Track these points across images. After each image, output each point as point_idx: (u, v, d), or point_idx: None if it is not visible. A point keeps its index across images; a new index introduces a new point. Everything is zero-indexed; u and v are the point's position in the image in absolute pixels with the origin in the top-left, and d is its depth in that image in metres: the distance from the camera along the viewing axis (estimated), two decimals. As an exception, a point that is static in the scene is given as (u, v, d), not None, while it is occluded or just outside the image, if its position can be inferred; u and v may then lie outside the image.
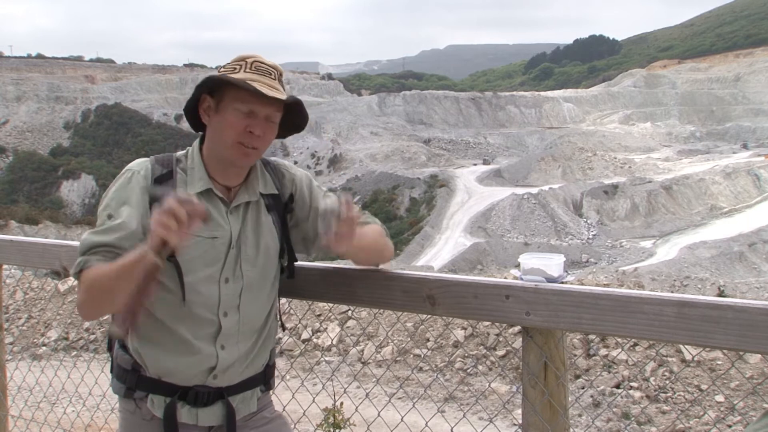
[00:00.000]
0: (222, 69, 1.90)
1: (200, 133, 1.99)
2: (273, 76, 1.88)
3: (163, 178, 1.89)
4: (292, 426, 2.24)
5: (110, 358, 2.06)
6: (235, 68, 1.88)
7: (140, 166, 1.92)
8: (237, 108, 1.84)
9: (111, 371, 2.04)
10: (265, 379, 2.07)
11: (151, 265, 1.60)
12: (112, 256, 1.78)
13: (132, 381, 1.93)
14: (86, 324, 8.60)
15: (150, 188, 1.87)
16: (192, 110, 1.95)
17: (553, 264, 1.87)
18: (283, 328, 2.21)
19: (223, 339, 1.91)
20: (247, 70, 1.86)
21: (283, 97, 1.85)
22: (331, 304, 6.20)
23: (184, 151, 1.98)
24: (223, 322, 1.90)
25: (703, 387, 5.76)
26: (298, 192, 2.06)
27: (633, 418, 5.61)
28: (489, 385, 6.47)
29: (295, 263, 2.11)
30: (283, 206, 2.03)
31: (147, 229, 1.74)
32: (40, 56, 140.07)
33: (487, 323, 6.89)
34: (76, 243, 2.81)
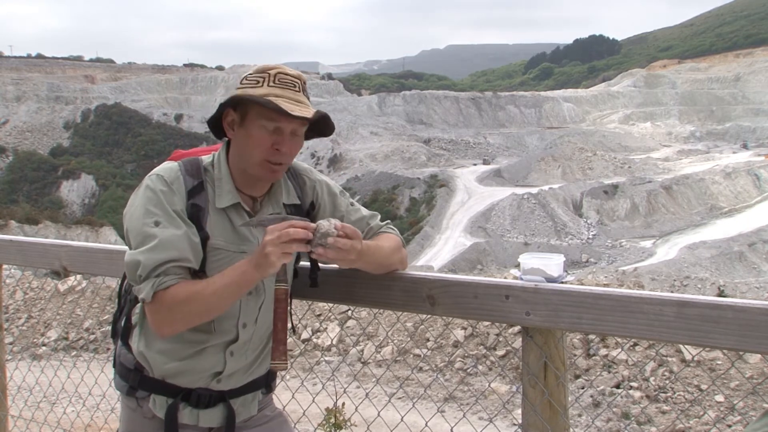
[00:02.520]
0: (245, 81, 1.85)
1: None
2: (297, 88, 1.84)
3: (195, 191, 1.85)
4: (292, 426, 2.24)
5: (114, 352, 2.06)
6: (258, 81, 1.83)
7: (172, 175, 1.85)
8: (263, 125, 1.81)
9: (113, 366, 2.04)
10: (266, 382, 2.08)
11: (284, 294, 1.75)
12: (182, 271, 1.77)
13: (135, 380, 1.94)
14: (86, 324, 8.60)
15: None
16: (215, 120, 1.92)
17: (552, 264, 1.87)
18: (294, 331, 2.21)
19: (235, 347, 1.92)
20: (271, 83, 1.81)
21: (310, 115, 1.81)
22: (330, 304, 6.20)
23: (210, 158, 1.93)
24: (241, 333, 1.91)
25: (703, 387, 5.75)
26: (318, 200, 2.05)
27: (633, 418, 5.61)
28: (489, 385, 6.46)
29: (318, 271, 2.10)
30: (304, 215, 2.02)
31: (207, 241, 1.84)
32: (40, 56, 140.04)
33: (487, 323, 6.88)
34: (76, 243, 2.82)
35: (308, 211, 2.04)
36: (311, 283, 2.08)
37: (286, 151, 1.84)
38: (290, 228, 1.68)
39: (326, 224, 1.75)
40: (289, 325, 2.14)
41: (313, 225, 1.73)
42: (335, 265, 2.11)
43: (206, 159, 1.94)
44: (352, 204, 2.10)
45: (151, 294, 1.74)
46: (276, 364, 1.72)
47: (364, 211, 2.10)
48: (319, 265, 2.09)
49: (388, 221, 2.13)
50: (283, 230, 1.68)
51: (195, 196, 1.85)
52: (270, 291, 1.91)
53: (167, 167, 1.88)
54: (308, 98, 1.88)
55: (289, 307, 1.72)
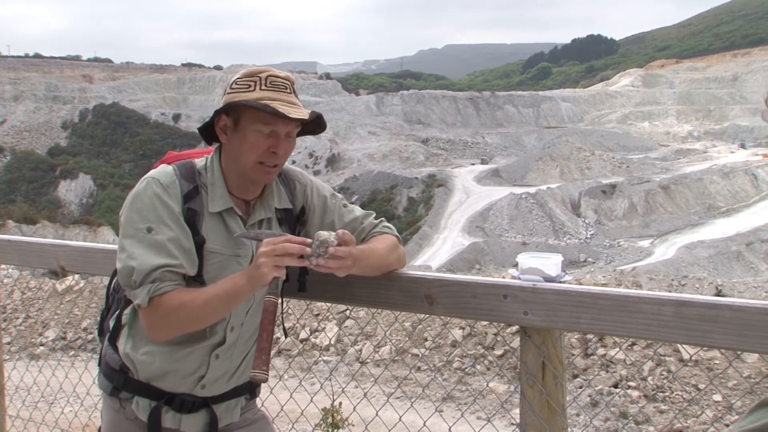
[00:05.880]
0: (234, 85, 1.85)
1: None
2: (288, 90, 1.85)
3: (191, 195, 1.85)
4: (290, 425, 2.24)
5: (99, 351, 2.06)
6: (250, 85, 1.83)
7: (168, 179, 1.85)
8: (258, 129, 1.81)
9: (98, 364, 2.04)
10: (251, 388, 2.07)
11: (273, 306, 1.71)
12: (177, 276, 1.78)
13: (119, 381, 1.94)
14: (84, 324, 8.59)
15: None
16: (206, 126, 1.92)
17: (550, 263, 1.87)
18: (286, 335, 2.20)
19: (221, 351, 1.91)
20: (263, 87, 1.82)
21: (306, 116, 1.82)
22: (329, 304, 6.20)
23: (203, 162, 1.93)
24: (228, 336, 1.91)
25: (701, 386, 5.76)
26: (308, 203, 2.04)
27: (631, 418, 5.61)
28: (487, 385, 6.46)
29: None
30: (295, 219, 2.02)
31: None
32: (37, 56, 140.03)
33: (485, 323, 6.88)
34: (74, 243, 2.82)
35: (299, 215, 2.02)
36: (299, 287, 2.08)
37: (282, 154, 1.85)
38: (286, 242, 1.69)
39: (325, 233, 1.75)
40: (277, 335, 2.13)
41: (309, 240, 1.72)
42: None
43: (199, 163, 1.93)
44: (345, 205, 2.08)
45: (146, 300, 1.75)
46: (256, 373, 1.68)
47: (358, 212, 2.08)
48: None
49: (383, 219, 2.11)
50: (278, 244, 1.68)
51: (191, 200, 1.85)
52: (259, 296, 1.90)
53: (163, 171, 1.88)
54: (298, 98, 1.89)
55: (277, 319, 1.71)
